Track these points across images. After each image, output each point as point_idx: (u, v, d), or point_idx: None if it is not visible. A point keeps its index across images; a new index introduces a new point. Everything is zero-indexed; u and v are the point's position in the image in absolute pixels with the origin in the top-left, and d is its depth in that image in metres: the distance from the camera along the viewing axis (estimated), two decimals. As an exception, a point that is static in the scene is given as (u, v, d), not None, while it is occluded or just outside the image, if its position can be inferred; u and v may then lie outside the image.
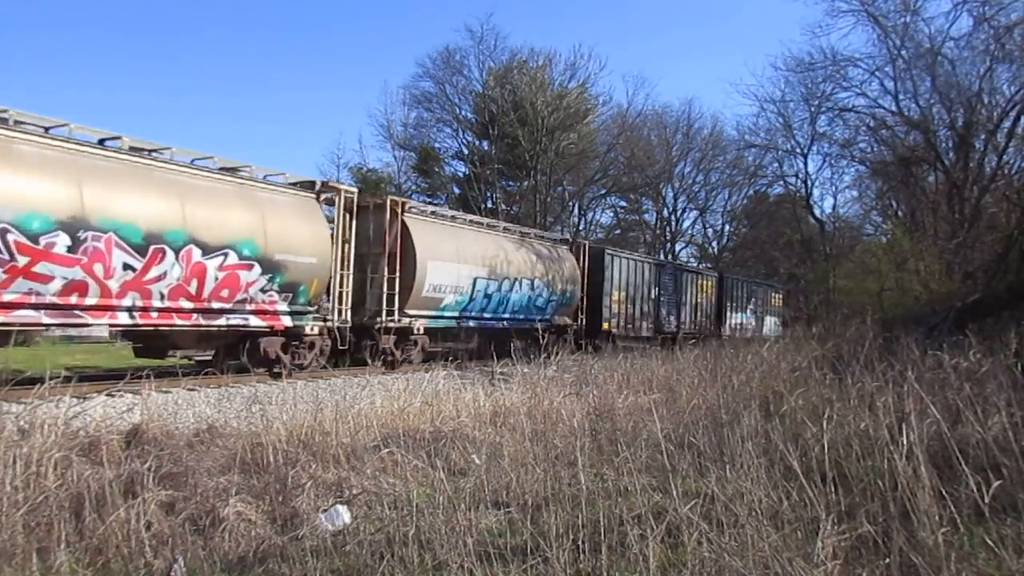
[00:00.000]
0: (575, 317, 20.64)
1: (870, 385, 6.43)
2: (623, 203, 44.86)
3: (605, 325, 21.22)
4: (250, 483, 5.50)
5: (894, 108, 25.04)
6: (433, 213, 16.60)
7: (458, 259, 15.81)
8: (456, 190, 39.45)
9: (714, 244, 47.33)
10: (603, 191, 42.35)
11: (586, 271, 21.08)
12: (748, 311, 32.42)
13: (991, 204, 21.84)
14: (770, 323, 34.09)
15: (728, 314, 30.20)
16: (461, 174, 39.69)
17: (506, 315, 17.78)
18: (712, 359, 11.18)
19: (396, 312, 14.32)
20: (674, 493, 4.13)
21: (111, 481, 4.85)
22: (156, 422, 7.09)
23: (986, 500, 3.73)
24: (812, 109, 30.09)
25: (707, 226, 47.01)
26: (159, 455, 5.77)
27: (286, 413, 7.41)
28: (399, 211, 14.67)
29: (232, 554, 4.42)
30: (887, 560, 3.52)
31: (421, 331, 15.09)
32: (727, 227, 47.54)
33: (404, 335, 14.77)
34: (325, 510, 4.95)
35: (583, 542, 3.99)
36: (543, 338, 14.96)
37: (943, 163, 23.54)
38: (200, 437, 6.96)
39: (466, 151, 39.44)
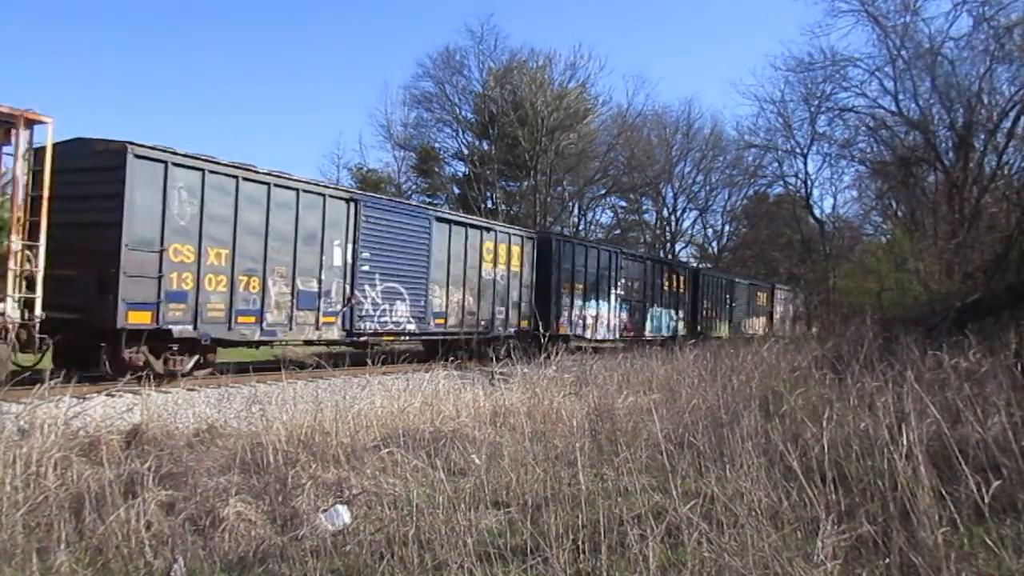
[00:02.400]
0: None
1: (870, 385, 6.43)
2: (623, 203, 44.96)
3: (137, 317, 9.48)
4: (250, 483, 5.50)
5: (894, 108, 25.12)
6: None
7: None
8: (456, 190, 39.47)
9: (714, 244, 47.42)
10: (603, 191, 42.40)
11: (30, 180, 8.51)
12: (612, 300, 20.84)
13: (991, 204, 21.88)
14: (659, 319, 24.20)
15: (563, 303, 18.48)
16: (461, 174, 39.73)
17: None
18: (712, 360, 11.18)
19: None
20: (674, 493, 4.13)
21: (111, 481, 4.85)
22: (156, 422, 7.09)
23: (986, 500, 3.73)
24: (812, 109, 30.21)
25: (707, 226, 47.12)
26: (159, 455, 5.77)
27: (286, 413, 7.41)
28: None
29: (232, 554, 4.42)
30: (887, 560, 3.52)
31: None
32: (727, 227, 47.65)
33: None
34: (325, 510, 4.95)
35: (583, 542, 3.99)
36: None
37: (943, 163, 23.58)
38: (200, 437, 6.95)
39: (466, 151, 39.50)
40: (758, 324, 32.99)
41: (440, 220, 15.20)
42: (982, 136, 22.94)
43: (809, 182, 36.47)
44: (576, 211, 43.34)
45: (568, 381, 9.97)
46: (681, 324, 25.78)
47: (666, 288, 24.99)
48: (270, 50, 70.64)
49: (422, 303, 14.49)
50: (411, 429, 7.08)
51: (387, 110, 60.67)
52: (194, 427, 7.58)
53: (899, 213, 29.45)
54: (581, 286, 19.48)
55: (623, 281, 21.60)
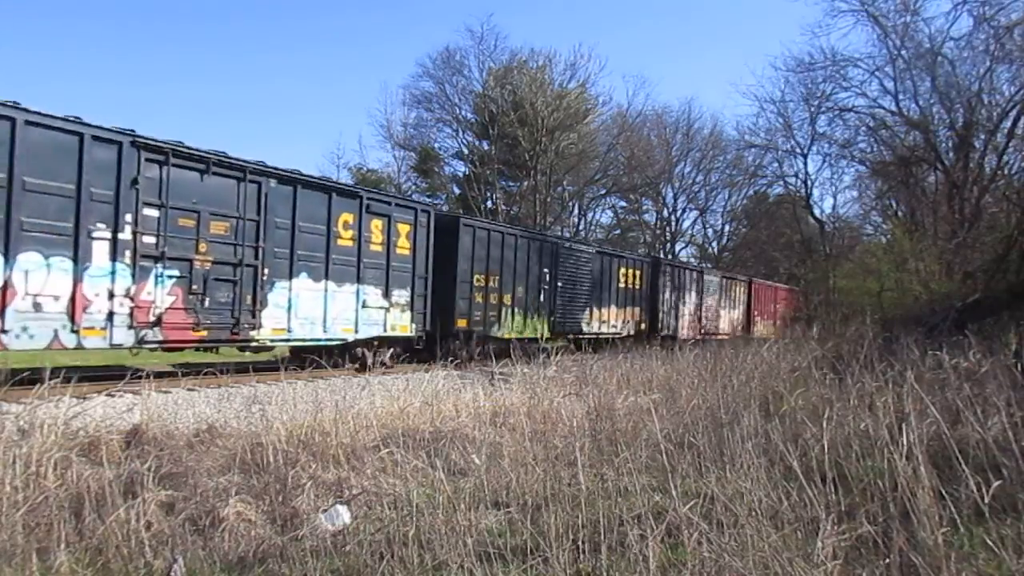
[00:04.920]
0: None
1: (870, 385, 6.43)
2: (623, 203, 44.96)
3: None
4: (250, 483, 5.50)
5: (894, 108, 25.13)
6: None
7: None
8: (456, 190, 39.49)
9: (714, 244, 47.43)
10: (603, 191, 42.41)
11: None
12: (95, 254, 8.88)
13: (991, 204, 21.88)
14: (317, 303, 11.98)
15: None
16: (461, 174, 39.74)
17: None
18: (712, 360, 11.18)
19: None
20: (674, 493, 4.12)
21: (111, 481, 4.85)
22: (156, 422, 7.09)
23: (986, 500, 3.73)
24: (812, 109, 30.25)
25: (707, 226, 47.13)
26: (159, 455, 5.78)
27: (286, 413, 7.41)
28: None
29: (232, 554, 4.42)
30: (887, 560, 3.52)
31: None
32: (727, 227, 47.67)
33: None
34: (325, 510, 4.95)
35: (583, 542, 3.99)
36: None
37: (943, 163, 23.57)
38: (200, 437, 6.96)
39: (466, 151, 39.50)
40: (622, 319, 21.69)
41: None
42: (982, 136, 22.94)
43: (809, 182, 36.53)
44: (576, 211, 43.40)
45: (568, 381, 9.97)
46: (401, 315, 13.58)
47: (344, 242, 12.47)
48: (270, 49, 70.67)
49: None
50: (411, 429, 7.08)
51: (387, 110, 61.21)
52: (194, 427, 7.58)
53: (899, 213, 29.45)
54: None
55: (155, 213, 9.63)
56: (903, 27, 23.37)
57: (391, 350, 13.66)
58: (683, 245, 45.92)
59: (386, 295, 13.38)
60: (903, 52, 23.83)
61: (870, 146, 28.58)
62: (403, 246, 13.81)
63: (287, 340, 11.80)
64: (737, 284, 30.74)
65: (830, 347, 11.21)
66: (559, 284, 18.70)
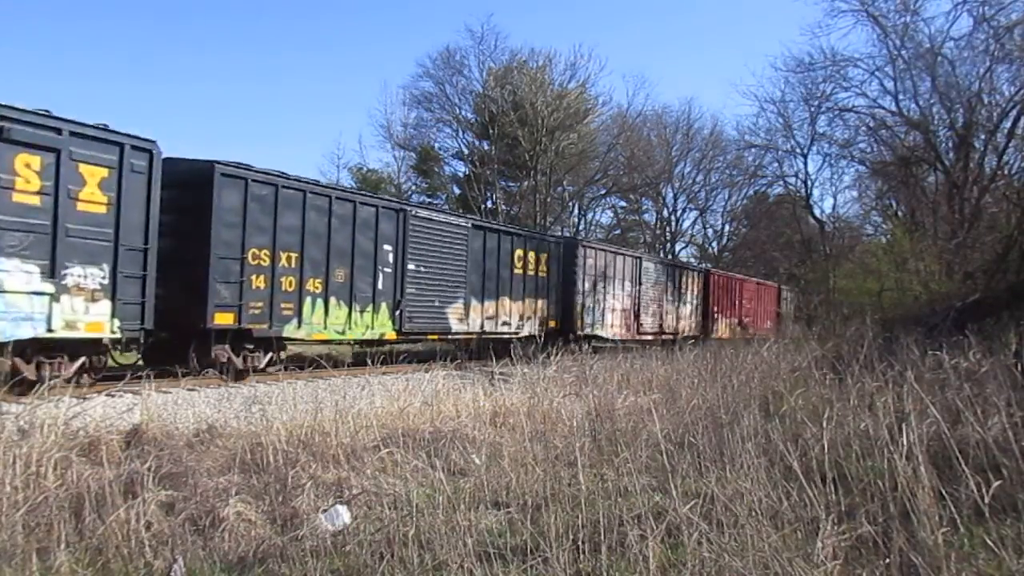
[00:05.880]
0: None
1: (870, 385, 6.43)
2: (623, 203, 44.97)
3: None
4: (250, 483, 5.50)
5: (894, 108, 25.11)
6: None
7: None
8: (456, 190, 39.50)
9: (714, 244, 47.44)
10: (603, 191, 42.40)
11: None
12: None
13: (991, 204, 21.87)
14: None
15: None
16: (461, 174, 39.74)
17: None
18: (712, 360, 11.20)
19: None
20: (674, 493, 4.13)
21: (111, 481, 4.85)
22: (156, 422, 7.09)
23: (986, 500, 3.73)
24: (812, 109, 30.20)
25: (707, 226, 47.10)
26: (159, 455, 5.77)
27: (286, 413, 7.41)
28: None
29: (232, 554, 4.43)
30: (887, 560, 3.52)
31: None
32: (727, 227, 47.65)
33: None
34: (325, 510, 4.95)
35: (583, 542, 3.99)
36: None
37: (943, 163, 23.57)
38: (200, 437, 6.96)
39: (466, 151, 39.48)
40: (520, 315, 17.31)
41: None
42: (982, 136, 22.93)
43: (809, 182, 36.50)
44: (576, 211, 43.41)
45: (568, 381, 9.97)
46: (90, 305, 8.81)
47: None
48: (270, 50, 70.62)
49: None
50: (411, 429, 7.09)
51: (387, 110, 61.16)
52: (194, 427, 7.58)
53: (899, 213, 29.44)
54: None
55: None
56: (903, 27, 23.36)
57: (80, 362, 8.88)
58: (683, 245, 46.01)
59: (52, 274, 8.47)
60: (903, 52, 23.83)
61: (870, 146, 28.59)
62: (94, 199, 8.90)
63: None
64: (689, 275, 26.51)
65: (830, 347, 11.21)
66: (411, 267, 14.01)
